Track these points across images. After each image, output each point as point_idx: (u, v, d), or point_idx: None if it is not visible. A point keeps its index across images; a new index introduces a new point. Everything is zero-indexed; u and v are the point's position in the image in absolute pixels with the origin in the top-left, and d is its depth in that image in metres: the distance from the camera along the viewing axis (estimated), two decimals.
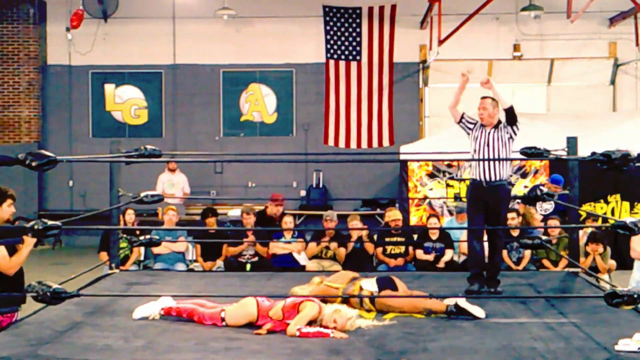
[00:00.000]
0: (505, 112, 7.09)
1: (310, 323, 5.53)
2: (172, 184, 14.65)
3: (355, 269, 8.68)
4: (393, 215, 10.39)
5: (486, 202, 7.10)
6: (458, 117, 7.41)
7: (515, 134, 7.11)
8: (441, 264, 9.94)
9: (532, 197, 7.75)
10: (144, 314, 5.91)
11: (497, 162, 7.00)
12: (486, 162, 7.02)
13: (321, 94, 16.60)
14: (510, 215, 10.37)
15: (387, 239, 10.20)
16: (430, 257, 10.03)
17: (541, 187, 7.96)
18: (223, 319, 5.73)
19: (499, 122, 7.17)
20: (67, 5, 16.57)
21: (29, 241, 5.67)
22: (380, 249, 10.13)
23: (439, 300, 6.03)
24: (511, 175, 12.02)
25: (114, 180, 7.94)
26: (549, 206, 10.82)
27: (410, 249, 10.18)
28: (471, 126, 7.32)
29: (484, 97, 7.34)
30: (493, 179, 7.04)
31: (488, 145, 7.10)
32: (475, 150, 7.18)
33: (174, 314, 5.88)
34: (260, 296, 5.86)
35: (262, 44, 16.86)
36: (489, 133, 7.14)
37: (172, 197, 13.97)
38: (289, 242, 10.10)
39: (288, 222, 10.26)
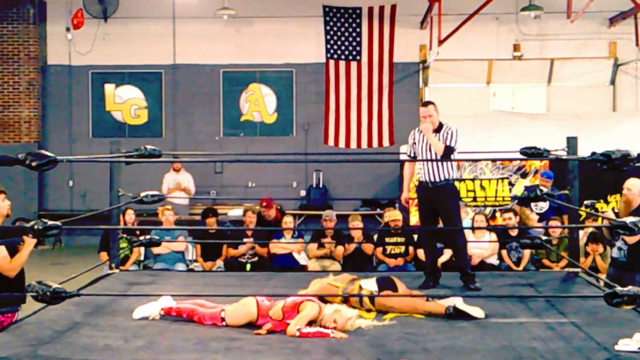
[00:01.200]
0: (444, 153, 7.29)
1: (310, 323, 5.53)
2: (177, 183, 14.69)
3: (355, 269, 8.70)
4: (393, 215, 10.39)
5: (434, 202, 7.33)
6: (410, 156, 7.58)
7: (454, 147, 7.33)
8: (439, 264, 9.90)
9: (531, 197, 7.75)
10: (144, 314, 5.91)
11: (440, 164, 7.22)
12: (430, 164, 7.24)
13: (321, 94, 16.60)
14: (507, 215, 10.41)
15: (387, 239, 10.20)
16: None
17: (541, 188, 7.97)
18: (223, 319, 5.72)
19: (440, 126, 7.35)
20: (67, 5, 16.59)
21: (29, 242, 5.67)
22: (380, 249, 10.13)
23: (438, 302, 6.03)
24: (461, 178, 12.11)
25: (114, 180, 7.94)
26: (544, 205, 10.86)
27: (411, 248, 10.17)
28: (414, 140, 7.49)
29: (425, 104, 7.52)
30: (437, 179, 7.27)
31: (429, 148, 7.32)
32: (418, 154, 7.40)
33: (174, 314, 5.88)
34: (260, 296, 5.86)
35: (262, 44, 16.87)
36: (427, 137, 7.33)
37: (177, 197, 13.99)
38: (289, 242, 10.10)
39: (288, 222, 10.26)
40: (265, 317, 5.66)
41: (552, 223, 9.66)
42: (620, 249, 7.36)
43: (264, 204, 10.93)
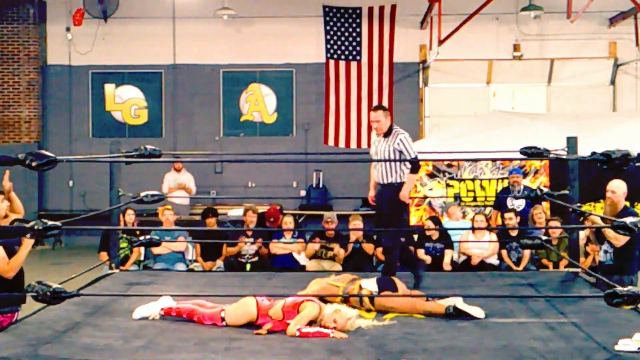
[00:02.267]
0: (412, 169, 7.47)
1: (310, 323, 5.53)
2: (178, 183, 14.70)
3: (355, 269, 8.70)
4: None
5: (381, 203, 7.52)
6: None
7: (405, 152, 7.40)
8: (447, 267, 9.91)
9: (532, 198, 7.76)
10: (143, 314, 5.91)
11: (385, 166, 7.40)
12: (380, 166, 7.44)
13: (321, 94, 16.60)
14: (508, 215, 10.41)
15: None
16: (429, 259, 10.01)
17: (541, 188, 8.00)
18: (223, 319, 5.73)
19: (390, 130, 7.43)
20: (67, 5, 16.59)
21: (27, 242, 5.66)
22: (380, 249, 10.12)
23: (438, 302, 6.03)
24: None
25: (114, 180, 7.95)
26: (521, 202, 10.88)
27: (411, 249, 10.17)
28: (373, 139, 7.68)
29: (375, 109, 7.58)
30: (386, 181, 7.44)
31: (377, 152, 7.51)
32: (372, 155, 7.65)
33: (174, 314, 5.88)
34: (260, 296, 5.86)
35: (262, 44, 16.87)
36: (379, 140, 7.50)
37: (177, 197, 13.99)
38: (289, 242, 10.10)
39: (288, 222, 10.26)
40: (265, 316, 5.66)
41: (552, 223, 9.66)
42: (606, 252, 7.39)
43: (272, 218, 10.83)
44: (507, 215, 10.44)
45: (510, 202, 11.08)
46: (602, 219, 7.32)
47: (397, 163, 7.36)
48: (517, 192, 10.97)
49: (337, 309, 5.62)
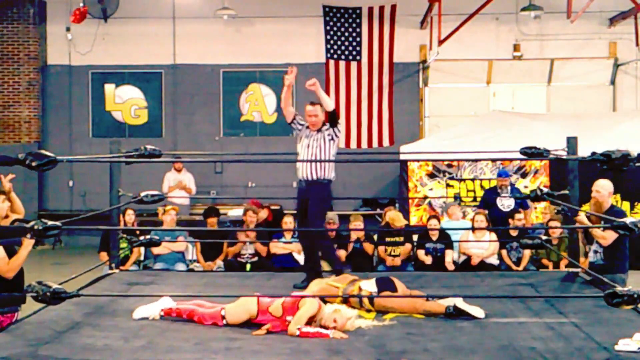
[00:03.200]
0: (329, 114, 7.39)
1: (310, 322, 5.53)
2: (178, 182, 14.70)
3: (355, 269, 8.70)
4: (392, 215, 10.38)
5: (305, 200, 7.42)
6: (290, 118, 7.61)
7: (337, 135, 7.42)
8: (450, 266, 9.90)
9: (532, 198, 7.76)
10: (144, 315, 5.91)
11: (312, 163, 7.31)
12: (305, 163, 7.33)
13: None
14: (518, 216, 10.38)
15: (386, 239, 10.20)
16: (429, 260, 10.00)
17: (541, 189, 7.99)
18: (223, 317, 5.73)
19: (323, 124, 7.43)
20: (67, 5, 16.58)
21: (28, 243, 5.66)
22: (382, 248, 10.12)
23: (438, 302, 6.03)
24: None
25: (114, 180, 7.95)
26: (510, 202, 10.89)
27: (409, 247, 10.19)
28: (300, 127, 7.56)
29: (312, 104, 7.53)
30: (310, 178, 7.34)
31: (308, 146, 7.39)
32: (298, 151, 7.47)
33: (174, 315, 5.89)
34: (261, 296, 5.86)
35: (262, 44, 16.87)
36: (310, 135, 7.42)
37: (177, 197, 14.00)
38: (289, 242, 10.10)
39: (288, 222, 10.26)
40: (265, 313, 5.66)
41: (552, 224, 9.66)
42: (596, 252, 7.42)
43: (253, 208, 10.84)
44: (518, 216, 10.40)
45: (500, 203, 11.09)
46: (589, 218, 7.35)
47: (325, 158, 7.30)
48: (504, 193, 10.99)
49: (337, 308, 5.62)
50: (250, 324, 5.67)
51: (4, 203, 6.03)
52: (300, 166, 7.41)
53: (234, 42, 16.98)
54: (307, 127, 7.49)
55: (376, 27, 16.29)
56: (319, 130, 7.42)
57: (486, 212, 10.34)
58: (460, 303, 5.94)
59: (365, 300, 6.13)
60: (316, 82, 7.41)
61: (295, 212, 8.55)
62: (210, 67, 17.04)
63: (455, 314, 5.88)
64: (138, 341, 5.24)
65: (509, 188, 11.17)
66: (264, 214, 11.14)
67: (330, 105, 7.42)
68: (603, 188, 7.27)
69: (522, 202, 10.68)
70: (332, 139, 7.40)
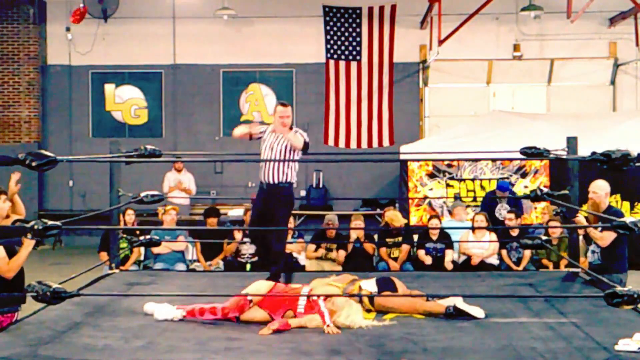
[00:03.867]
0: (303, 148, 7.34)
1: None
2: (178, 182, 14.70)
3: (355, 269, 8.70)
4: (392, 215, 10.38)
5: (266, 203, 7.28)
6: (248, 137, 7.46)
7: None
8: (449, 266, 9.90)
9: (532, 198, 7.77)
10: (165, 317, 5.88)
11: (277, 166, 7.21)
12: (268, 165, 7.23)
13: (321, 94, 16.60)
14: (508, 215, 10.41)
15: (386, 240, 10.21)
16: (429, 260, 10.00)
17: (541, 189, 8.00)
18: (250, 301, 5.83)
19: (291, 128, 7.33)
20: (67, 5, 16.58)
21: (28, 243, 5.65)
22: (384, 249, 10.12)
23: (438, 302, 6.03)
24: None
25: (114, 180, 7.94)
26: (504, 211, 10.91)
27: (411, 248, 10.19)
28: (263, 135, 7.42)
29: (284, 104, 7.42)
30: (274, 181, 7.24)
31: (272, 149, 7.29)
32: (261, 153, 7.35)
33: (198, 315, 5.89)
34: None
35: (262, 44, 16.87)
36: (276, 138, 7.31)
37: (177, 197, 14.01)
38: (289, 242, 10.10)
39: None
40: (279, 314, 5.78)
41: (552, 224, 9.66)
42: (594, 252, 7.44)
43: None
44: (507, 215, 10.45)
45: (499, 213, 11.11)
46: (587, 219, 7.37)
47: (289, 162, 7.22)
48: (503, 207, 11.04)
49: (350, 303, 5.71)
50: (257, 323, 5.71)
51: (5, 203, 6.02)
52: (264, 169, 7.27)
53: (234, 42, 16.98)
54: (272, 131, 7.35)
55: (376, 27, 16.29)
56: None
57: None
58: (460, 303, 5.95)
59: (366, 300, 6.13)
60: (284, 130, 7.25)
61: (294, 212, 8.61)
62: (210, 67, 17.04)
63: (455, 314, 5.88)
64: (138, 341, 5.24)
65: (507, 200, 11.18)
66: None
67: (301, 143, 7.25)
68: (600, 189, 7.29)
69: (516, 210, 10.70)
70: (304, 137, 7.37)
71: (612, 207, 7.57)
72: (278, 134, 7.28)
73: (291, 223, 10.32)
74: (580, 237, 8.29)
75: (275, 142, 7.29)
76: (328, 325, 5.53)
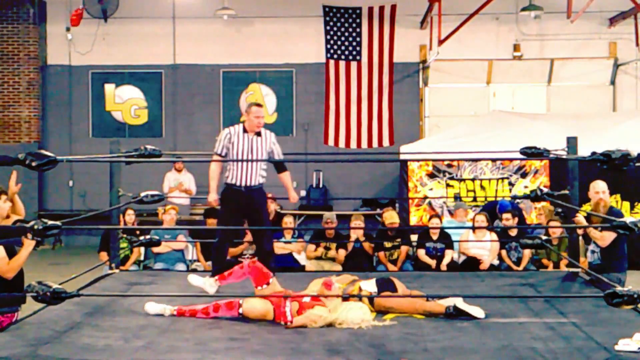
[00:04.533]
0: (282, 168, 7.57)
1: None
2: (179, 183, 14.71)
3: (355, 269, 8.70)
4: (390, 217, 10.35)
5: (246, 206, 7.28)
6: (220, 156, 7.41)
7: (276, 152, 7.50)
8: (443, 267, 9.89)
9: (532, 198, 7.77)
10: (157, 311, 5.99)
11: (258, 168, 7.24)
12: (247, 168, 7.21)
13: (321, 94, 16.61)
14: (506, 215, 10.39)
15: (385, 243, 10.19)
16: (431, 261, 9.99)
17: (541, 189, 8.00)
18: (240, 305, 5.88)
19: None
20: (67, 5, 16.59)
21: (28, 243, 5.65)
22: (382, 253, 10.11)
23: (438, 302, 6.03)
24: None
25: (114, 180, 7.95)
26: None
27: (411, 249, 10.18)
28: (230, 140, 7.37)
29: (258, 105, 7.47)
30: (253, 183, 7.30)
31: (252, 151, 7.29)
32: (236, 155, 7.28)
33: (188, 315, 5.95)
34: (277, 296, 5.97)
35: (262, 44, 16.87)
36: (251, 139, 7.31)
37: (178, 197, 14.01)
38: (289, 242, 10.11)
39: (288, 222, 10.26)
40: (281, 311, 5.79)
41: (552, 223, 9.66)
42: (593, 252, 7.48)
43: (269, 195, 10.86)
44: (506, 215, 10.43)
45: (496, 223, 11.08)
46: (588, 218, 7.38)
47: (263, 165, 7.28)
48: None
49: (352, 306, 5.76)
50: (260, 322, 5.75)
51: (5, 203, 6.02)
52: (245, 172, 7.27)
53: (234, 42, 16.98)
54: (244, 131, 7.32)
55: (376, 27, 16.30)
56: (257, 134, 7.35)
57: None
58: (460, 303, 5.95)
59: (365, 301, 6.13)
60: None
61: (294, 212, 8.59)
62: (210, 67, 17.04)
63: (455, 314, 5.88)
64: (138, 341, 5.24)
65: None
66: (275, 206, 11.08)
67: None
68: (605, 188, 7.33)
69: (516, 212, 10.68)
70: (273, 151, 7.45)
71: (612, 207, 7.59)
72: (252, 136, 7.29)
73: (291, 223, 10.34)
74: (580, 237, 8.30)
75: (254, 145, 7.32)
76: (291, 322, 5.65)
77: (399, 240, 10.13)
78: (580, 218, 7.41)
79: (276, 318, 5.82)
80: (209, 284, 6.56)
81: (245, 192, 7.30)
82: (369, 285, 6.31)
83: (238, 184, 7.31)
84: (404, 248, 10.11)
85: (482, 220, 10.08)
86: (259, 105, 7.44)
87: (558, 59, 16.77)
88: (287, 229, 10.20)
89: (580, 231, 7.90)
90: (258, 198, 7.36)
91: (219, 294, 6.43)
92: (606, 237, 7.16)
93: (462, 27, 14.89)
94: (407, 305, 6.05)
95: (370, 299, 6.11)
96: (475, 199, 12.85)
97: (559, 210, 8.29)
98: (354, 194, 16.52)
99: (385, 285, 6.31)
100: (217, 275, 6.73)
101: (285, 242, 10.11)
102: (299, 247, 10.14)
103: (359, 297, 6.12)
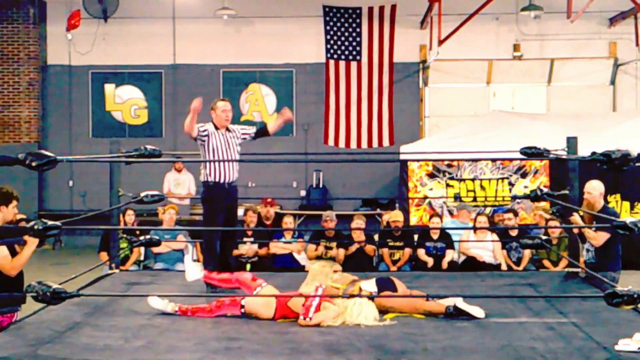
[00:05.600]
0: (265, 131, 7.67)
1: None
2: (178, 183, 14.71)
3: (355, 269, 8.70)
4: (394, 216, 10.39)
5: (226, 202, 7.32)
6: (195, 134, 7.36)
7: (248, 137, 7.54)
8: (445, 265, 9.90)
9: (532, 197, 7.77)
10: (160, 307, 6.02)
11: (235, 164, 7.27)
12: (228, 164, 7.24)
13: (321, 94, 16.60)
14: (507, 215, 10.40)
15: (388, 242, 10.20)
16: (430, 260, 9.99)
17: (541, 189, 8.01)
18: (242, 306, 5.88)
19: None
20: (67, 5, 16.59)
21: (32, 241, 5.66)
22: (386, 250, 10.12)
23: (438, 302, 6.03)
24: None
25: (114, 180, 7.95)
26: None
27: (410, 249, 10.18)
28: (205, 133, 7.35)
29: (224, 100, 7.57)
30: (234, 179, 7.35)
31: (229, 147, 7.32)
32: (213, 152, 7.28)
33: (190, 314, 5.98)
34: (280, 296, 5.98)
35: (262, 44, 16.87)
36: (224, 135, 7.35)
37: (178, 197, 14.01)
38: (289, 242, 10.11)
39: (288, 222, 10.26)
40: (283, 310, 5.82)
41: (552, 223, 9.65)
42: (588, 250, 7.53)
43: (253, 207, 10.83)
44: (506, 215, 10.43)
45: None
46: (582, 218, 7.39)
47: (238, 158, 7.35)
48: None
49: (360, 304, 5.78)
50: (262, 321, 5.76)
51: (14, 209, 6.03)
52: (226, 168, 7.27)
53: (234, 42, 16.98)
54: (215, 129, 7.34)
55: (376, 27, 16.29)
56: (228, 130, 7.37)
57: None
58: (460, 303, 5.95)
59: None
60: (287, 114, 7.63)
61: (294, 212, 8.58)
62: (210, 67, 17.04)
63: (455, 314, 5.88)
64: (138, 341, 5.24)
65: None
66: (273, 210, 11.09)
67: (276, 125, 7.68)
68: (594, 189, 7.35)
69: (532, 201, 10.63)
70: (244, 139, 7.49)
71: (607, 207, 7.62)
72: (223, 132, 7.32)
73: (291, 223, 10.34)
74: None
75: (230, 141, 7.34)
76: (310, 319, 5.64)
77: (401, 243, 10.14)
78: (576, 217, 7.43)
79: (276, 316, 5.84)
80: (170, 308, 6.18)
81: (228, 188, 7.34)
82: (369, 285, 6.31)
83: (222, 180, 7.31)
84: (407, 250, 10.11)
85: (484, 221, 10.09)
86: (223, 100, 7.53)
87: (558, 59, 16.77)
88: (287, 229, 10.20)
89: (575, 230, 7.92)
90: (235, 194, 7.44)
91: (219, 294, 6.43)
92: (599, 237, 7.21)
93: (462, 27, 14.88)
94: (407, 305, 6.05)
95: (371, 299, 6.11)
96: (475, 199, 12.85)
97: (554, 210, 8.31)
98: (353, 194, 16.52)
99: (386, 285, 6.32)
100: (208, 271, 6.80)
101: (285, 242, 10.11)
102: (299, 247, 10.14)
103: (359, 297, 6.12)
